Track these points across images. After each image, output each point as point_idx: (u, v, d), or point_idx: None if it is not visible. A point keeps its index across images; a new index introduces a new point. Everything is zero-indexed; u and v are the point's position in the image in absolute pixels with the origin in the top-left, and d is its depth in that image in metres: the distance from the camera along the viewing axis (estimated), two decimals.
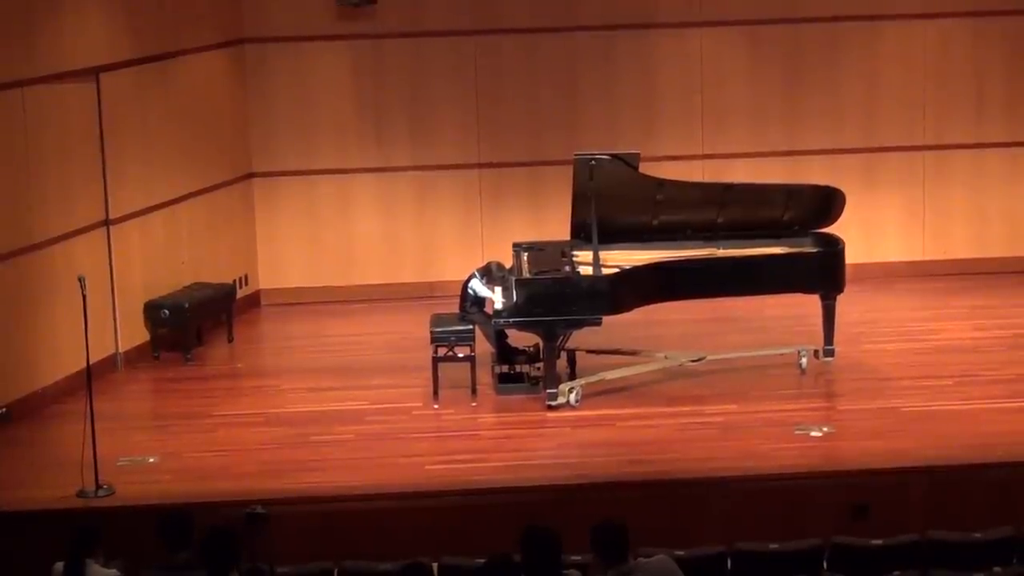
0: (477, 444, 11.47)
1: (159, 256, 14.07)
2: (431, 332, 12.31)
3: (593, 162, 12.09)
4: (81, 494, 10.38)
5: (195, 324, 14.03)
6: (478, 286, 12.42)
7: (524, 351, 12.49)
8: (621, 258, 12.49)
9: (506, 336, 12.49)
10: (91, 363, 10.94)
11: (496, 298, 12.25)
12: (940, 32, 15.69)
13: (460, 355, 12.25)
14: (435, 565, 8.62)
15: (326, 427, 11.79)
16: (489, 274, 12.51)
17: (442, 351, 12.25)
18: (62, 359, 12.52)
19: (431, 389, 12.24)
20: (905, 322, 14.23)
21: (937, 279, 15.61)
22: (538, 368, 12.24)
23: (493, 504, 10.24)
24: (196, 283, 14.37)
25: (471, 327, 12.30)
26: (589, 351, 12.77)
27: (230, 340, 14.39)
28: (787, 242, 12.81)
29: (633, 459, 10.89)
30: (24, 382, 12.33)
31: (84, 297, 10.60)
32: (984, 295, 15.01)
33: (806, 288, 12.64)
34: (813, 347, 12.74)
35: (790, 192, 12.89)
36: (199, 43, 14.59)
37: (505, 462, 10.95)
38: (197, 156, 14.59)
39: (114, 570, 7.84)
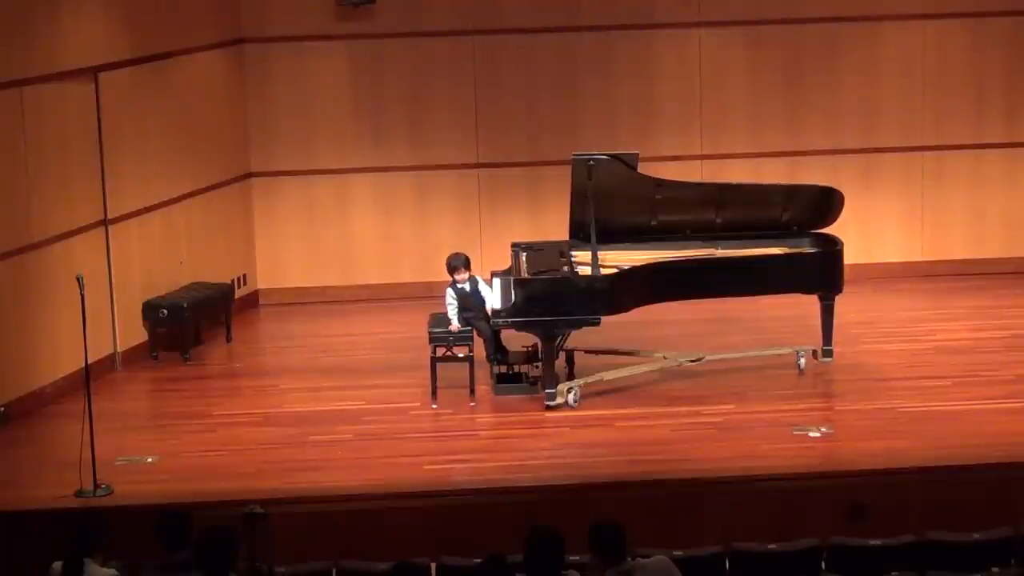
0: (475, 444, 11.46)
1: (158, 256, 14.07)
2: (429, 332, 12.30)
3: (592, 162, 12.08)
4: (79, 494, 10.37)
5: (193, 324, 14.02)
6: (454, 318, 12.28)
7: (523, 350, 12.47)
8: (620, 258, 12.48)
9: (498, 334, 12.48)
10: (89, 363, 10.94)
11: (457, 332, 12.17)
12: (940, 32, 15.68)
13: (459, 355, 12.24)
14: (433, 565, 8.63)
15: (324, 427, 11.78)
16: (452, 270, 12.36)
17: (440, 351, 12.24)
18: (60, 359, 12.52)
19: (429, 389, 12.22)
20: (904, 322, 14.23)
21: (936, 279, 15.61)
22: (537, 368, 12.24)
23: (491, 504, 10.24)
24: (195, 283, 14.36)
25: (469, 328, 12.28)
26: (587, 351, 12.76)
27: (228, 340, 14.39)
28: (786, 242, 12.80)
29: (631, 459, 10.89)
30: (22, 381, 12.32)
31: (82, 297, 10.59)
32: (983, 295, 15.01)
33: (805, 288, 12.63)
34: (812, 347, 12.73)
35: (789, 192, 12.89)
36: (198, 43, 14.58)
37: (503, 462, 10.94)
38: (196, 156, 14.58)
39: (112, 570, 7.84)
